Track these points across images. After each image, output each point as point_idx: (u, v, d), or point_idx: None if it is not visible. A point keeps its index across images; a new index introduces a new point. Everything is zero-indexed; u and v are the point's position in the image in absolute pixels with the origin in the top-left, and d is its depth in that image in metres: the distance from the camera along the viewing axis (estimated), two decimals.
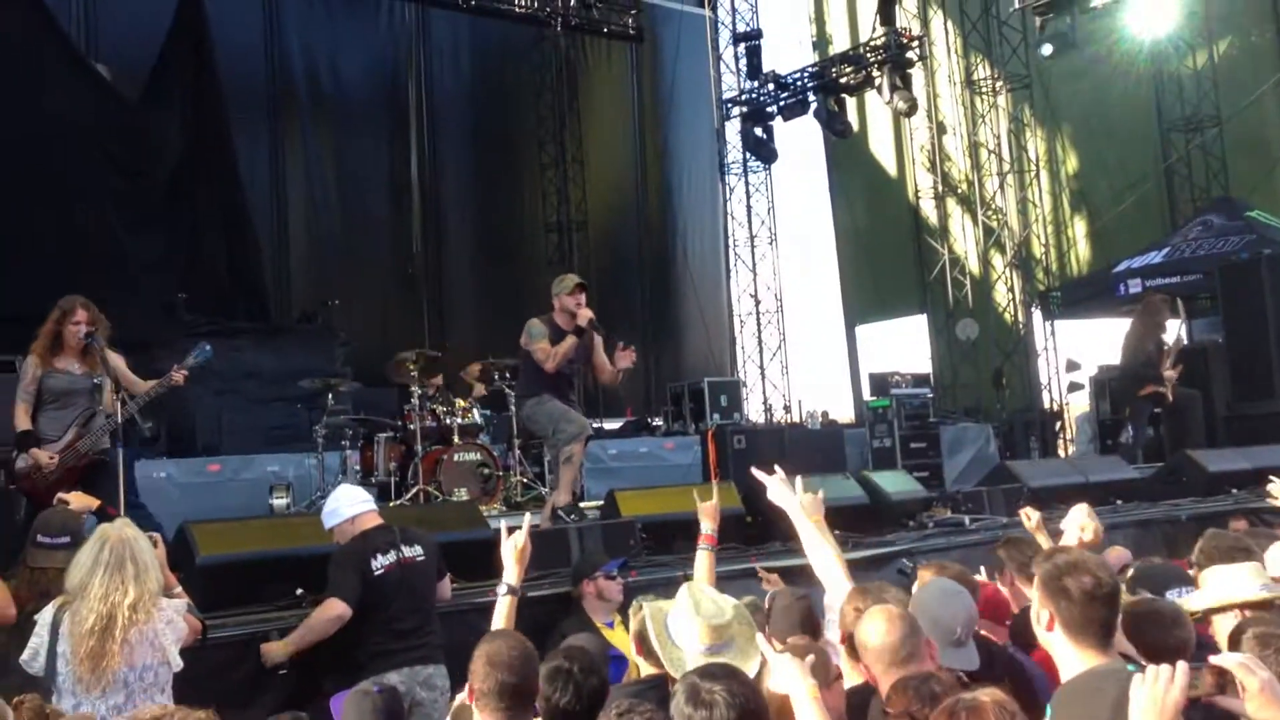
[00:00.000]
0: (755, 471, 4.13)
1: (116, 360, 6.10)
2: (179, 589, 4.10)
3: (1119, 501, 8.52)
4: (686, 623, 3.31)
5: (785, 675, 2.81)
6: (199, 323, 12.17)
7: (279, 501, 9.26)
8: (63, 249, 11.80)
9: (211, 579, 4.96)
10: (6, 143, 11.88)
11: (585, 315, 6.98)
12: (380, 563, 4.64)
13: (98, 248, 12.12)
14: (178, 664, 3.74)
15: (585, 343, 7.06)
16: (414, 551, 4.76)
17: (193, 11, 13.24)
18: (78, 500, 4.58)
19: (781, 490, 4.00)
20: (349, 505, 4.87)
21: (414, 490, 9.00)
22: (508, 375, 10.23)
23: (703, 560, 4.47)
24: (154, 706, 2.62)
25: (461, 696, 3.32)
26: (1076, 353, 15.93)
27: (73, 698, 3.55)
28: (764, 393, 20.59)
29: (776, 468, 4.05)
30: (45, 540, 4.13)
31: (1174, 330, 10.53)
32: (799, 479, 4.09)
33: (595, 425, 15.11)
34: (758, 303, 20.81)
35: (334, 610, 4.53)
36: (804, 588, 4.34)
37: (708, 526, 4.54)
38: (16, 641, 3.79)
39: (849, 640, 3.31)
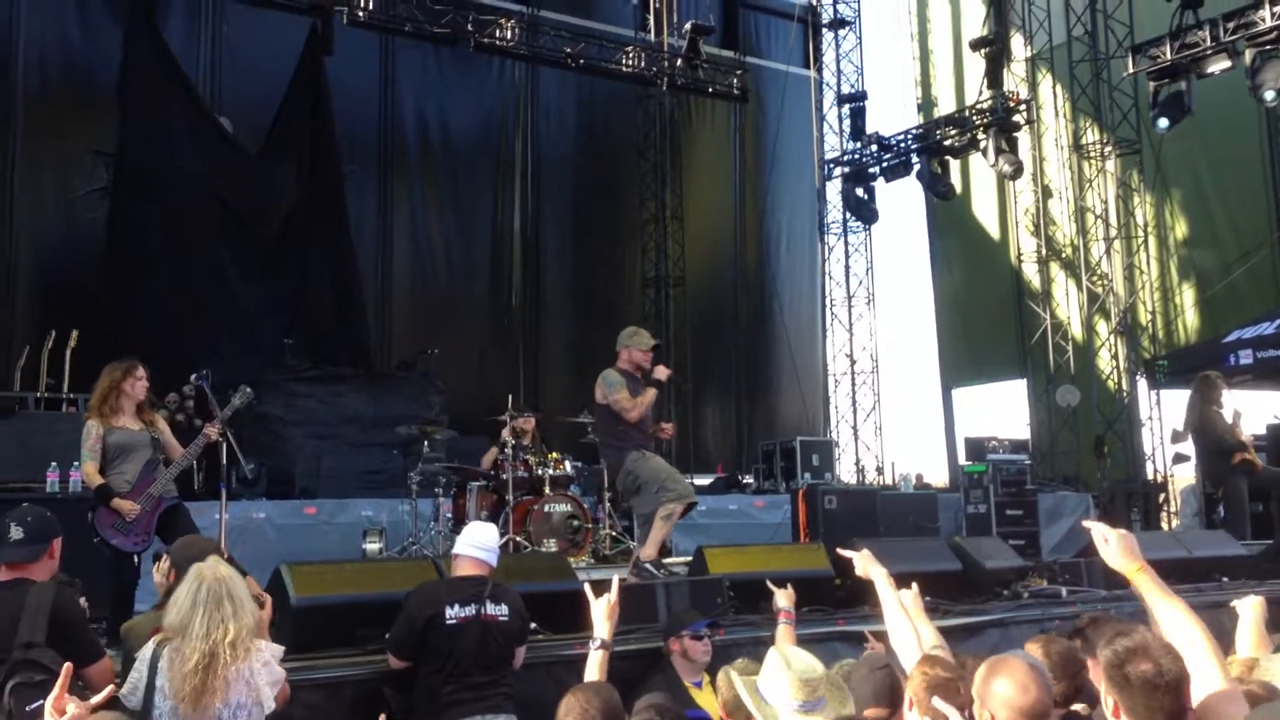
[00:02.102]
0: (841, 551, 4.26)
1: (162, 423, 6.37)
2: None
3: (1224, 579, 8.22)
4: (778, 679, 3.32)
5: None
6: (304, 367, 12.50)
7: (372, 546, 9.41)
8: (177, 293, 12.28)
9: (305, 621, 5.05)
10: (131, 188, 12.45)
11: (664, 372, 7.23)
12: (456, 613, 4.64)
13: (212, 293, 12.58)
14: (270, 706, 3.80)
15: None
16: (498, 610, 4.74)
17: (313, 68, 13.76)
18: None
19: (868, 564, 4.18)
20: (463, 543, 4.96)
21: (504, 540, 9.07)
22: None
23: (783, 631, 4.66)
24: None
25: None
26: (1182, 423, 15.47)
27: None
28: (857, 454, 20.37)
29: (865, 550, 4.28)
30: None
31: (1229, 406, 10.20)
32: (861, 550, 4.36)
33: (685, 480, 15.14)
34: (853, 363, 20.65)
35: (390, 663, 4.73)
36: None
37: (783, 603, 4.84)
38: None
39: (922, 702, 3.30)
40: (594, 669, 4.04)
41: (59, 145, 13.46)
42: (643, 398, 7.05)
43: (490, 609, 4.72)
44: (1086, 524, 3.82)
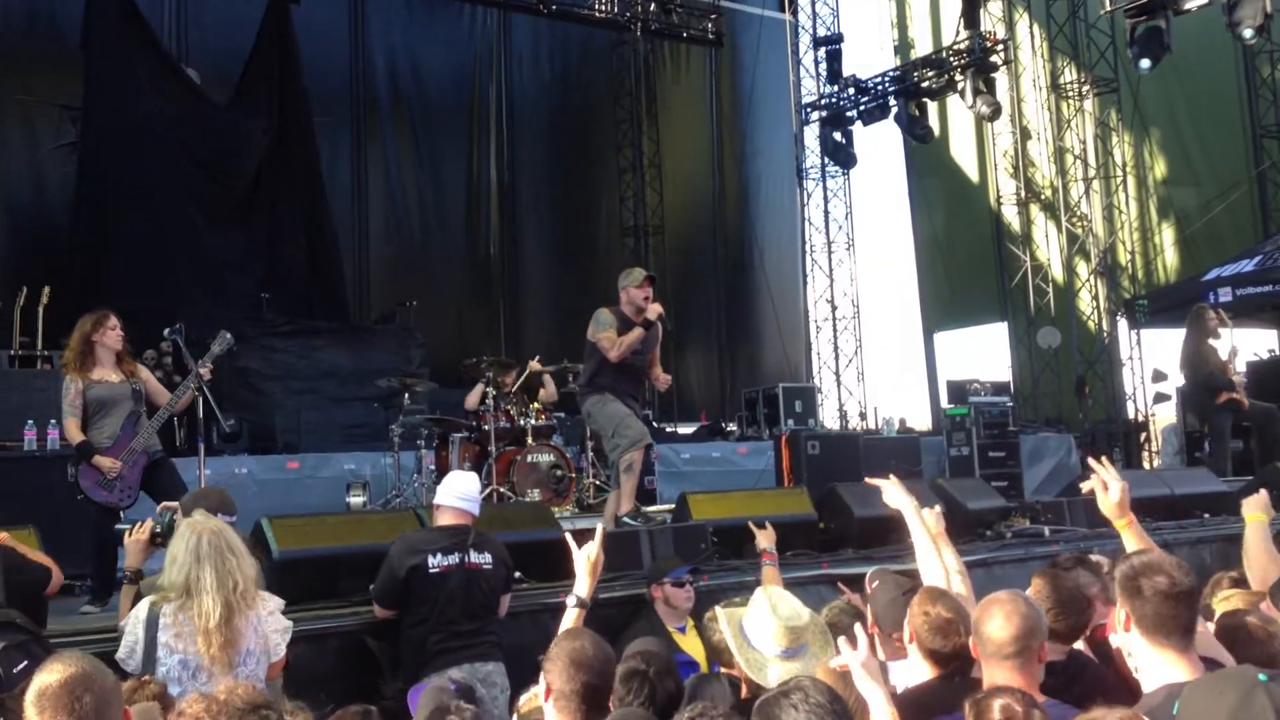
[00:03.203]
0: (869, 479, 4.42)
1: (144, 371, 6.23)
2: None
3: (1206, 515, 8.28)
4: (764, 624, 3.30)
5: (862, 681, 2.84)
6: (279, 322, 12.41)
7: (355, 499, 9.39)
8: (148, 247, 12.16)
9: (287, 574, 5.01)
10: (98, 143, 12.26)
11: (655, 309, 6.97)
12: (440, 561, 4.63)
13: (183, 247, 12.47)
14: (278, 655, 3.84)
15: (651, 336, 7.05)
16: (482, 559, 4.73)
17: (280, 17, 13.56)
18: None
19: (897, 493, 4.23)
20: (443, 493, 4.92)
21: (487, 490, 9.06)
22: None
23: (767, 572, 4.70)
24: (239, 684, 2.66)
25: (528, 695, 3.32)
26: (1163, 362, 15.55)
27: (178, 685, 3.59)
28: (839, 399, 20.41)
29: (892, 476, 4.32)
30: (227, 519, 4.18)
31: (1227, 340, 10.25)
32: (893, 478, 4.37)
33: (669, 429, 15.16)
34: (834, 309, 20.63)
35: (375, 613, 4.74)
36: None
37: (765, 545, 4.96)
38: None
39: (916, 639, 3.36)
40: (568, 626, 3.88)
41: (25, 101, 13.22)
42: (625, 337, 6.88)
43: (474, 557, 4.70)
44: (1092, 463, 3.89)
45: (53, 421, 7.42)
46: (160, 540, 4.36)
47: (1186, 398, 11.59)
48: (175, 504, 4.63)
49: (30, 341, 10.03)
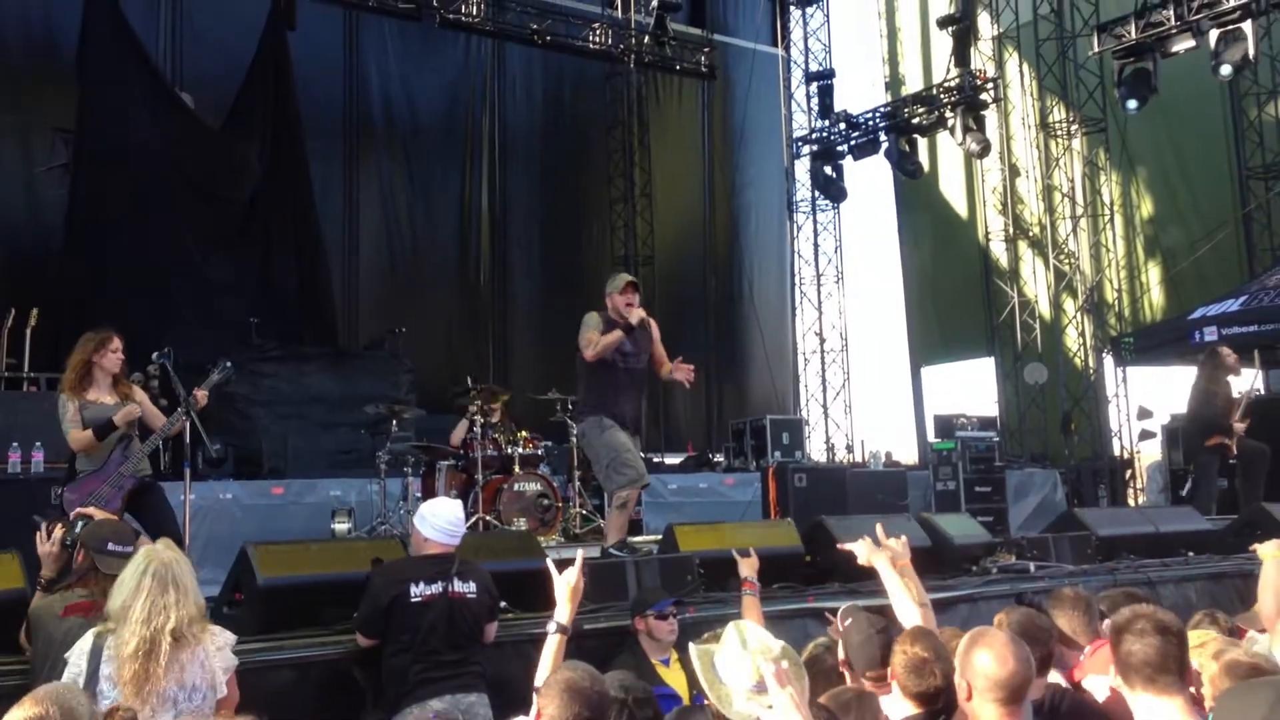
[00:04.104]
0: (843, 546, 4.48)
1: (140, 394, 6.20)
2: None
3: (1190, 554, 8.30)
4: (734, 659, 3.29)
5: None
6: (269, 346, 12.38)
7: (340, 526, 9.35)
8: (140, 270, 12.14)
9: (271, 601, 4.98)
10: (91, 165, 12.27)
11: (637, 315, 6.82)
12: (422, 590, 4.58)
13: (174, 271, 12.45)
14: (222, 691, 3.75)
15: (644, 340, 6.92)
16: (466, 587, 4.68)
17: (275, 43, 13.60)
18: None
19: (866, 551, 4.31)
20: (430, 525, 4.82)
21: (473, 519, 9.04)
22: (570, 407, 10.24)
23: (747, 604, 4.65)
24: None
25: None
26: (1148, 400, 15.60)
27: None
28: (827, 432, 20.45)
29: (865, 538, 4.39)
30: (118, 549, 4.21)
31: (1244, 381, 10.29)
32: (878, 525, 4.47)
33: (656, 459, 15.14)
34: (822, 341, 20.70)
35: (359, 641, 4.67)
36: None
37: (745, 571, 4.84)
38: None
39: (895, 677, 3.38)
40: (550, 654, 3.90)
41: (18, 122, 13.23)
42: (604, 338, 6.71)
43: (458, 586, 4.66)
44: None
45: (38, 444, 7.40)
46: (70, 549, 4.34)
47: (1181, 430, 11.61)
48: (90, 511, 4.62)
49: (17, 364, 10.01)
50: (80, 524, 4.44)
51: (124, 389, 6.05)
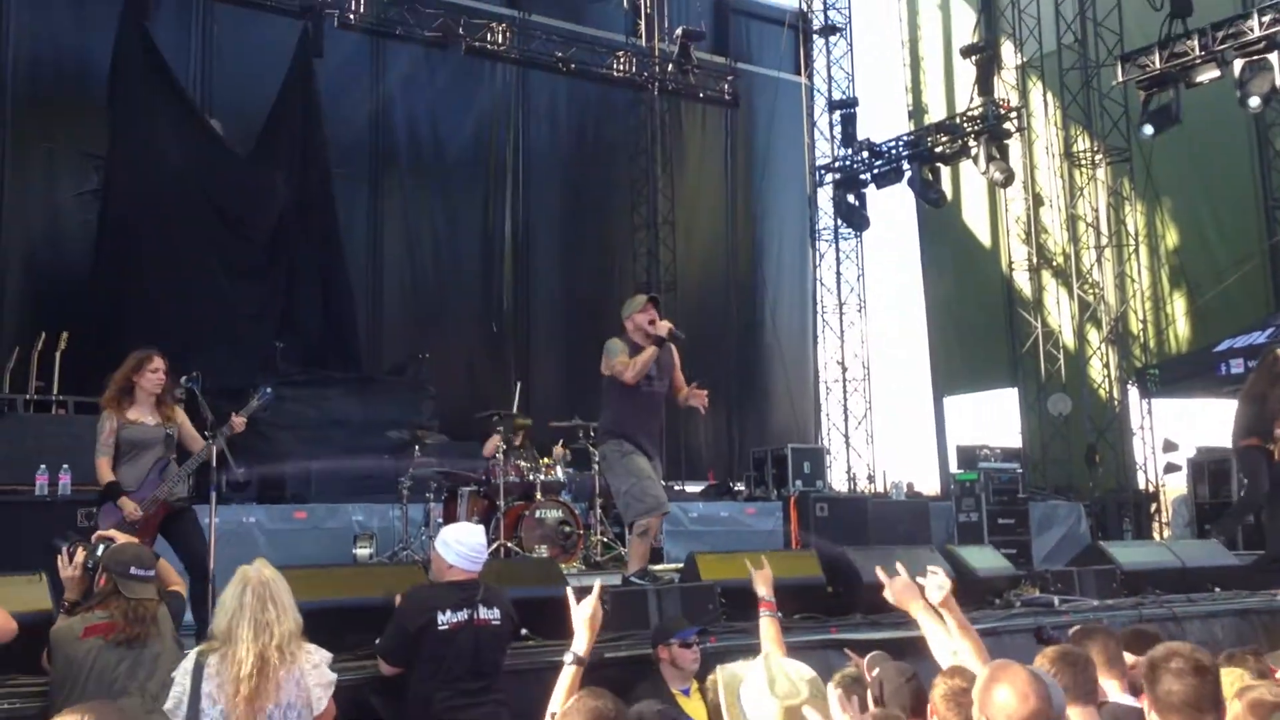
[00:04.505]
0: (879, 573, 4.29)
1: (181, 415, 6.20)
2: None
3: (1217, 589, 8.23)
4: (760, 701, 3.27)
5: None
6: (293, 371, 12.45)
7: (362, 551, 9.35)
8: (167, 295, 12.24)
9: None
10: (121, 191, 12.41)
11: (664, 326, 6.76)
12: (449, 618, 4.59)
13: (202, 295, 12.54)
14: (319, 708, 3.86)
15: (665, 358, 6.83)
16: (491, 614, 4.70)
17: (304, 70, 13.75)
18: None
19: (900, 590, 4.15)
20: (452, 551, 4.80)
21: (495, 545, 9.04)
22: (592, 434, 10.23)
23: (767, 627, 4.43)
24: None
25: None
26: (1174, 433, 15.51)
27: None
28: (848, 461, 20.36)
29: (899, 569, 4.23)
30: (139, 573, 4.27)
31: None
32: (898, 564, 4.32)
33: (676, 487, 15.11)
34: (844, 370, 20.65)
35: (380, 668, 4.70)
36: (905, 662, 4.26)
37: (762, 591, 4.58)
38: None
39: (942, 712, 3.29)
40: (564, 685, 3.79)
41: (49, 147, 13.39)
42: (640, 357, 6.62)
43: (483, 613, 4.68)
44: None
45: (65, 467, 7.45)
46: (92, 572, 4.39)
47: (1232, 434, 11.36)
48: (111, 534, 4.66)
49: (46, 386, 10.10)
50: (101, 547, 4.48)
51: (166, 410, 6.06)
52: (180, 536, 5.85)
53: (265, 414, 6.34)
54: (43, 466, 7.54)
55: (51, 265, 13.23)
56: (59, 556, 4.54)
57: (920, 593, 4.09)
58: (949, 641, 3.94)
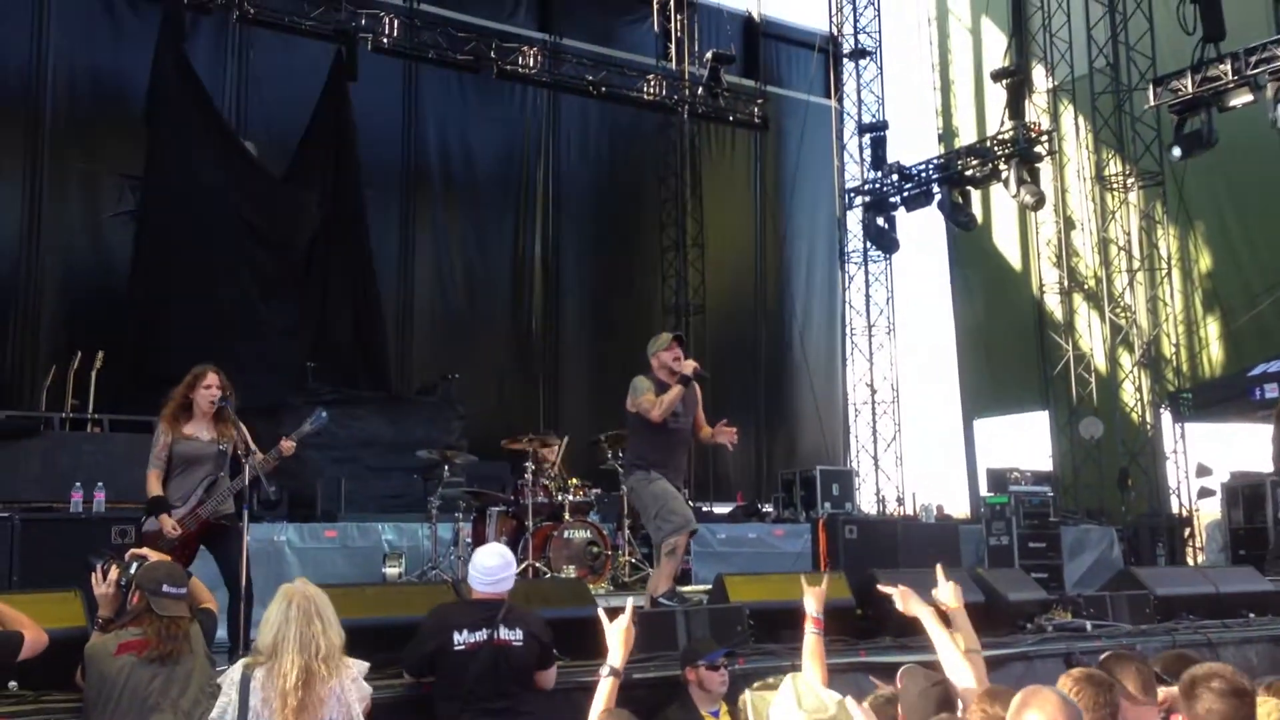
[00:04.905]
0: (883, 587, 4.38)
1: (243, 430, 6.22)
2: None
3: (1251, 615, 8.13)
4: (789, 716, 3.27)
5: None
6: (323, 390, 12.52)
7: (391, 570, 9.38)
8: (202, 314, 12.36)
9: None
10: (157, 211, 12.57)
11: (689, 365, 6.87)
12: (465, 638, 4.61)
13: (236, 315, 12.66)
14: None
15: (689, 395, 6.92)
16: (512, 635, 4.69)
17: (337, 93, 13.90)
18: None
19: (909, 601, 4.22)
20: (473, 575, 4.88)
21: (523, 565, 9.05)
22: (620, 454, 10.24)
23: (811, 644, 4.36)
24: None
25: None
26: (1207, 457, 15.35)
27: None
28: (877, 484, 20.26)
29: (901, 586, 4.30)
30: (172, 590, 4.32)
31: None
32: (938, 567, 4.41)
33: (704, 508, 15.10)
34: (874, 392, 20.57)
35: (407, 678, 4.76)
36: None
37: (813, 608, 4.47)
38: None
39: None
40: (603, 696, 3.95)
41: (86, 169, 13.60)
42: (666, 396, 6.74)
43: (504, 633, 4.68)
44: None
45: (100, 484, 7.53)
46: (125, 589, 4.44)
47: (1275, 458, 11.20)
48: (144, 551, 4.71)
49: (81, 405, 10.21)
50: (135, 565, 4.52)
51: (223, 427, 6.08)
52: (224, 553, 5.89)
53: (286, 431, 6.34)
54: (78, 484, 7.61)
55: (88, 285, 13.41)
56: (93, 574, 4.58)
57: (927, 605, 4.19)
58: (956, 655, 3.97)
